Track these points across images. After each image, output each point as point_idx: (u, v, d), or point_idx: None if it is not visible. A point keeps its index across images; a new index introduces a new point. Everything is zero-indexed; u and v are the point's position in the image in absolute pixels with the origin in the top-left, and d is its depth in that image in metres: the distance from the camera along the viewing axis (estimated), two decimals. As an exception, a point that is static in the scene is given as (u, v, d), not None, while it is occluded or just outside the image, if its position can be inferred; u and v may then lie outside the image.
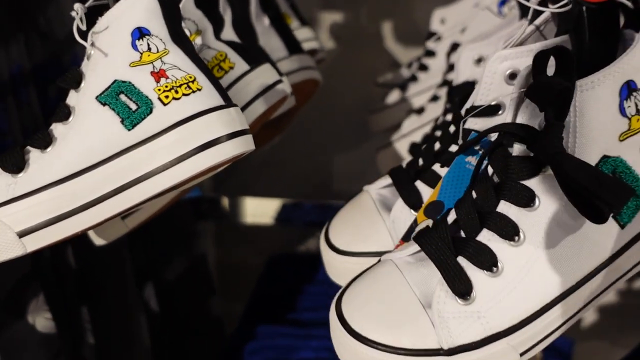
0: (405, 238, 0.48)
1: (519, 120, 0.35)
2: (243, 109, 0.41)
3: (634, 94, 0.34)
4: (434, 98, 0.67)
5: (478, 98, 0.40)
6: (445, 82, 0.65)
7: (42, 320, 0.65)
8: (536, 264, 0.34)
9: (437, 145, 0.45)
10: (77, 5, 0.33)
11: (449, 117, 0.55)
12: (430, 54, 0.80)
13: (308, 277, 0.97)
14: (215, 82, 0.33)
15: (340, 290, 0.37)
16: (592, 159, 0.34)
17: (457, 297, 0.33)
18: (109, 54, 0.32)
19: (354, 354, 0.34)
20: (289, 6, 0.76)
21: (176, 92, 0.31)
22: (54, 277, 0.67)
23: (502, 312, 0.33)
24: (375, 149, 0.71)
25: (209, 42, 0.43)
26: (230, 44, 0.44)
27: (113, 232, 0.44)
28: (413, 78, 0.82)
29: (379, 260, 0.38)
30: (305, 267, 0.99)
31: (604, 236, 0.34)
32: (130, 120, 0.31)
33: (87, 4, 0.34)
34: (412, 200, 0.42)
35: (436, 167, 0.43)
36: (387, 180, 0.45)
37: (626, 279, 0.38)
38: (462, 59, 0.53)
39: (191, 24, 0.44)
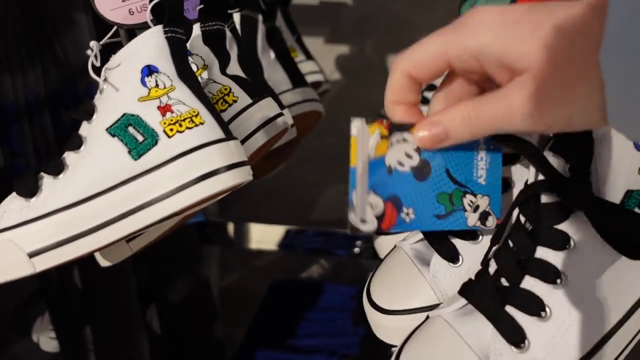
0: None
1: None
2: (244, 140, 0.43)
3: None
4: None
5: None
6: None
7: (46, 339, 0.66)
8: (582, 304, 0.34)
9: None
10: (92, 43, 0.36)
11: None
12: (432, 87, 0.82)
13: (309, 304, 0.98)
14: (217, 116, 0.35)
15: (395, 354, 0.37)
16: (617, 196, 0.35)
17: (512, 347, 0.33)
18: (120, 89, 0.34)
19: None
20: (295, 40, 0.78)
21: (180, 125, 0.33)
22: (60, 297, 0.69)
23: (559, 355, 0.33)
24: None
25: (215, 77, 0.45)
26: (234, 78, 0.46)
27: (117, 254, 0.46)
28: (415, 110, 0.84)
29: (427, 317, 0.38)
30: (306, 293, 1.00)
31: (633, 271, 0.34)
32: (137, 150, 0.33)
33: (102, 42, 0.37)
34: (449, 254, 0.41)
35: None
36: (418, 234, 0.45)
37: None
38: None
39: (198, 59, 0.46)
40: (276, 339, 0.90)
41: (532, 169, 0.37)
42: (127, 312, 0.79)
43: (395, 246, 0.46)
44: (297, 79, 0.65)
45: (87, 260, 0.47)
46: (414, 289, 0.42)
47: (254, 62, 0.59)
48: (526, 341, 0.33)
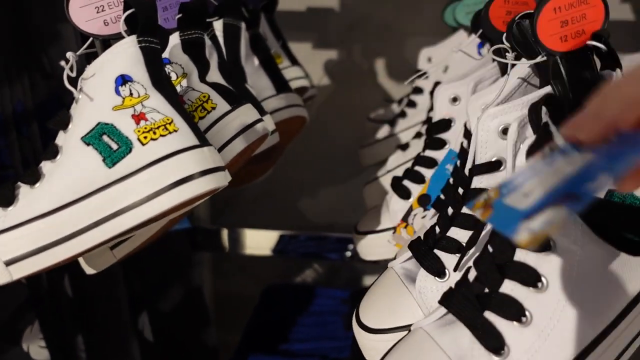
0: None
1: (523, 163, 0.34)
2: (224, 146, 0.44)
3: None
4: (418, 135, 0.69)
5: (478, 157, 0.40)
6: (429, 120, 0.68)
7: (36, 349, 0.66)
8: (565, 309, 0.33)
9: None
10: (69, 54, 0.36)
11: (428, 152, 0.58)
12: (418, 91, 0.83)
13: (302, 308, 0.98)
14: (191, 123, 0.36)
15: None
16: (600, 194, 0.35)
17: (491, 353, 0.32)
18: (95, 99, 0.35)
19: None
20: (280, 46, 0.79)
21: (154, 133, 0.34)
22: (50, 306, 0.69)
23: None
24: (362, 184, 0.74)
25: (194, 84, 0.46)
26: (214, 85, 0.47)
27: (102, 262, 0.46)
28: (402, 114, 0.84)
29: (409, 331, 0.38)
30: (299, 298, 1.00)
31: (628, 270, 0.33)
32: (111, 158, 0.34)
33: (78, 53, 0.37)
34: (434, 267, 0.41)
35: (451, 231, 0.42)
36: (408, 253, 0.45)
37: None
38: (439, 97, 0.56)
39: (178, 68, 0.47)
40: (270, 344, 0.90)
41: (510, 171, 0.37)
42: (118, 320, 0.79)
43: (387, 267, 0.46)
44: (281, 84, 0.66)
45: (77, 269, 0.48)
46: (400, 307, 0.42)
47: (236, 69, 0.60)
48: (505, 347, 0.32)
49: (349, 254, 1.05)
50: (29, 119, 0.64)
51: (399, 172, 0.61)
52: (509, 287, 0.33)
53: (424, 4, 0.99)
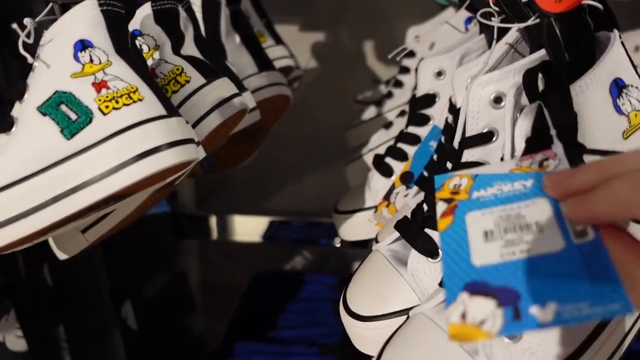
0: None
1: (517, 142, 0.33)
2: (198, 121, 0.42)
3: (625, 90, 0.34)
4: (402, 113, 0.67)
5: (468, 128, 0.38)
6: (413, 96, 0.66)
7: (12, 338, 0.64)
8: None
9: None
10: (26, 20, 0.34)
11: (412, 129, 0.56)
12: (404, 70, 0.81)
13: (291, 295, 0.96)
14: (158, 92, 0.33)
15: (375, 358, 0.34)
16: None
17: (504, 338, 0.31)
18: (52, 66, 0.33)
19: None
20: (263, 24, 0.77)
21: (117, 102, 0.31)
22: (27, 295, 0.67)
23: (552, 346, 0.31)
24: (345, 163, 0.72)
25: (167, 57, 0.43)
26: (188, 58, 0.44)
27: (73, 246, 0.44)
28: (389, 94, 0.82)
29: (408, 317, 0.36)
30: (288, 284, 0.98)
31: None
32: (69, 129, 0.31)
33: (37, 19, 0.35)
34: (426, 248, 0.39)
35: None
36: (394, 234, 0.43)
37: None
38: (423, 72, 0.54)
39: (150, 40, 0.44)
40: (258, 331, 0.89)
41: (508, 146, 0.34)
42: (100, 309, 0.77)
43: (372, 250, 0.44)
44: (263, 63, 0.63)
45: (57, 258, 0.46)
46: (392, 291, 0.40)
47: (215, 43, 0.57)
48: None
49: (338, 240, 1.03)
50: (1, 99, 0.62)
51: (382, 150, 0.59)
52: None
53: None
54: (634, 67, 0.34)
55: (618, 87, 0.33)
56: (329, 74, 1.08)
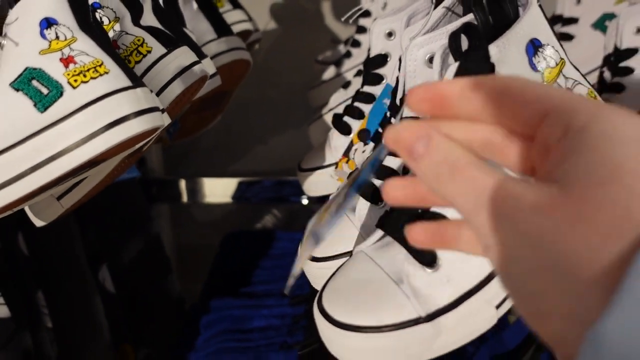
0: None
1: None
2: (161, 89, 0.44)
3: (540, 49, 0.37)
4: (359, 73, 0.70)
5: (407, 86, 0.41)
6: (368, 58, 0.69)
7: (-5, 305, 0.67)
8: None
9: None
10: (-10, 0, 0.35)
11: (367, 88, 0.59)
12: (361, 30, 0.83)
13: (262, 252, 1.00)
14: (122, 65, 0.36)
15: (321, 287, 0.38)
16: None
17: (425, 267, 0.34)
18: (20, 44, 0.34)
19: (343, 345, 0.34)
20: (220, -11, 0.78)
21: (84, 76, 0.34)
22: (6, 263, 0.69)
23: (468, 270, 0.34)
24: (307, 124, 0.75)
25: (127, 29, 0.45)
26: (148, 29, 0.46)
27: (50, 213, 0.47)
28: (347, 54, 0.85)
29: (351, 255, 0.39)
30: (259, 243, 1.02)
31: None
32: (42, 103, 0.34)
33: (-1, -2, 0.36)
34: (373, 195, 0.42)
35: (387, 160, 0.42)
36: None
37: None
38: (374, 33, 0.57)
39: (109, 12, 0.46)
40: (232, 288, 0.92)
41: None
42: (78, 274, 0.80)
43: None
44: (221, 28, 0.65)
45: (32, 228, 0.48)
46: (343, 236, 0.43)
47: (173, 11, 0.59)
48: (438, 260, 0.35)
49: (306, 197, 1.06)
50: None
51: (341, 110, 0.63)
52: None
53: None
54: (552, 28, 0.37)
55: (534, 47, 0.37)
56: (289, 35, 1.09)
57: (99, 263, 0.87)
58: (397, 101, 0.41)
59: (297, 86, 1.01)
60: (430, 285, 0.34)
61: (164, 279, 1.00)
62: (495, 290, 0.35)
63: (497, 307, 0.35)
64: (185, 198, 1.12)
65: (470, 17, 0.37)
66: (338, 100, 0.70)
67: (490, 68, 0.34)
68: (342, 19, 0.58)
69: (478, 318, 0.34)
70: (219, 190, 1.13)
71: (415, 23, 0.52)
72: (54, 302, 0.77)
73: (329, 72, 0.87)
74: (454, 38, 0.35)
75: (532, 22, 0.36)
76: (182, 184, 1.12)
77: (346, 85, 0.72)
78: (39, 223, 0.49)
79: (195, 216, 1.22)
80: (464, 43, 0.36)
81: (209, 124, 0.80)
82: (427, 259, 0.35)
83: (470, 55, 0.34)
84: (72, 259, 0.79)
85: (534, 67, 0.37)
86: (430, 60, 0.38)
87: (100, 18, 0.45)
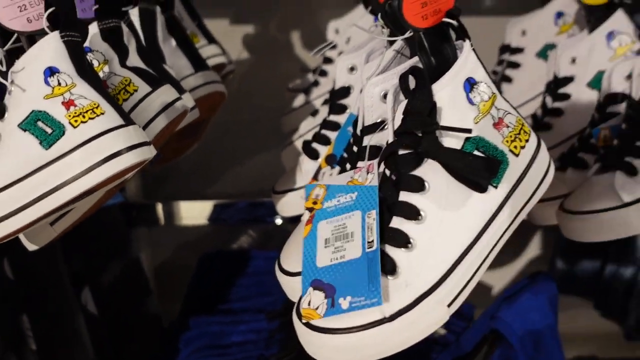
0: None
1: (396, 125, 0.42)
2: (147, 124, 0.49)
3: (475, 86, 0.44)
4: (326, 101, 0.76)
5: (366, 119, 0.46)
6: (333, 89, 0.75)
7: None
8: (440, 234, 0.41)
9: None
10: (-2, 50, 0.41)
11: (332, 117, 0.65)
12: (328, 60, 0.90)
13: (239, 271, 1.04)
14: (116, 106, 0.41)
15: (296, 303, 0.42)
16: (459, 143, 0.42)
17: (387, 276, 0.39)
18: (27, 90, 0.40)
19: (318, 344, 0.39)
20: (196, 26, 0.83)
21: (84, 117, 0.39)
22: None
23: (423, 276, 0.40)
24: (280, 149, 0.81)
25: (115, 70, 0.51)
26: (134, 69, 0.52)
27: (43, 237, 0.51)
28: (315, 83, 0.91)
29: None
30: (235, 262, 1.06)
31: (486, 196, 0.43)
32: (47, 141, 0.39)
33: (5, 48, 0.42)
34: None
35: None
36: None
37: (517, 224, 0.45)
38: (339, 67, 0.63)
39: (99, 55, 0.51)
40: (210, 306, 0.96)
41: (390, 131, 0.44)
42: (62, 297, 0.83)
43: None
44: (198, 63, 0.71)
45: (17, 251, 0.52)
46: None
47: (154, 51, 0.64)
48: (398, 269, 0.40)
49: (280, 217, 1.10)
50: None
51: (310, 136, 0.69)
52: (398, 222, 0.41)
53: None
54: (484, 67, 0.44)
55: (470, 84, 0.43)
56: (261, 63, 1.15)
57: (82, 285, 0.90)
58: (358, 132, 0.47)
59: (271, 112, 1.06)
60: (392, 290, 0.39)
61: (144, 300, 1.03)
62: (447, 290, 0.40)
63: (449, 305, 0.41)
64: (162, 221, 1.15)
65: (416, 59, 0.44)
66: (307, 127, 0.76)
67: (432, 104, 0.41)
68: (312, 54, 0.64)
69: (431, 316, 0.40)
70: (195, 212, 1.16)
71: (373, 59, 0.58)
72: (38, 324, 0.80)
73: (299, 100, 0.93)
74: (403, 79, 0.42)
75: (467, 64, 0.43)
76: (159, 207, 1.15)
77: (314, 113, 0.78)
78: (31, 247, 0.53)
79: (173, 238, 1.26)
80: (412, 82, 0.42)
81: (187, 150, 0.85)
82: (389, 268, 0.40)
83: (417, 94, 0.41)
84: (56, 282, 0.82)
85: (470, 101, 0.43)
86: (385, 96, 0.44)
87: (91, 60, 0.50)
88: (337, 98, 0.63)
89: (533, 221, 0.65)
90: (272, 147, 1.14)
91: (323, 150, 0.64)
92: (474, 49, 0.44)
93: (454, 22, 0.43)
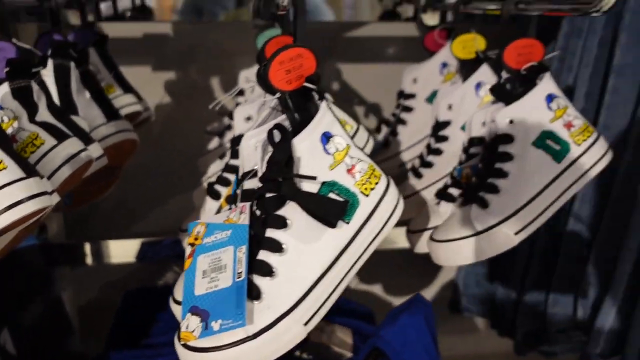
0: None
1: (264, 170, 0.50)
2: (52, 174, 0.55)
3: (331, 139, 0.52)
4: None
5: (245, 166, 0.53)
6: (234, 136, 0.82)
7: None
8: (299, 263, 0.47)
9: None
10: None
11: (232, 161, 0.72)
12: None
13: (160, 306, 1.07)
14: (18, 160, 0.47)
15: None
16: (316, 186, 0.50)
17: (253, 301, 0.46)
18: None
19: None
20: (112, 76, 0.89)
21: (-12, 172, 0.45)
22: None
23: (282, 299, 0.46)
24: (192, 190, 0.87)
25: (24, 125, 0.56)
26: (42, 124, 0.57)
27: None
28: (229, 127, 0.98)
29: None
30: (157, 298, 1.09)
31: (339, 231, 0.50)
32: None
33: None
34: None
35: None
36: None
37: (371, 252, 0.52)
38: (236, 117, 0.71)
39: (9, 112, 0.57)
40: (132, 341, 0.99)
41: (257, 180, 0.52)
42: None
43: None
44: (110, 113, 0.76)
45: None
46: None
47: (68, 104, 0.70)
48: (262, 295, 0.46)
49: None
50: None
51: (215, 178, 0.76)
52: (264, 255, 0.48)
53: (249, 30, 1.14)
54: (340, 123, 0.53)
55: (327, 137, 0.52)
56: (181, 107, 1.21)
57: (1, 326, 0.92)
58: (240, 175, 0.55)
59: (189, 153, 1.12)
60: (256, 313, 0.46)
61: (66, 338, 1.05)
62: (303, 311, 0.47)
63: (306, 323, 0.47)
64: (90, 260, 1.17)
65: (284, 116, 0.52)
66: (215, 169, 0.83)
67: (289, 155, 0.49)
68: (225, 97, 0.71)
69: (290, 333, 0.47)
70: (121, 251, 1.19)
71: (263, 110, 0.66)
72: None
73: (214, 142, 1.00)
74: (269, 134, 0.50)
75: (323, 120, 0.52)
76: (87, 247, 1.17)
77: (222, 156, 0.85)
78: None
79: (99, 277, 1.28)
80: (278, 136, 0.50)
81: (105, 191, 0.90)
82: (255, 294, 0.47)
83: (280, 146, 0.49)
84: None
85: (327, 151, 0.52)
86: (257, 148, 0.52)
87: (2, 117, 0.56)
88: (236, 144, 0.71)
89: (414, 249, 0.74)
90: (192, 186, 1.20)
91: (224, 191, 0.71)
92: (330, 108, 0.52)
93: (312, 86, 0.51)
